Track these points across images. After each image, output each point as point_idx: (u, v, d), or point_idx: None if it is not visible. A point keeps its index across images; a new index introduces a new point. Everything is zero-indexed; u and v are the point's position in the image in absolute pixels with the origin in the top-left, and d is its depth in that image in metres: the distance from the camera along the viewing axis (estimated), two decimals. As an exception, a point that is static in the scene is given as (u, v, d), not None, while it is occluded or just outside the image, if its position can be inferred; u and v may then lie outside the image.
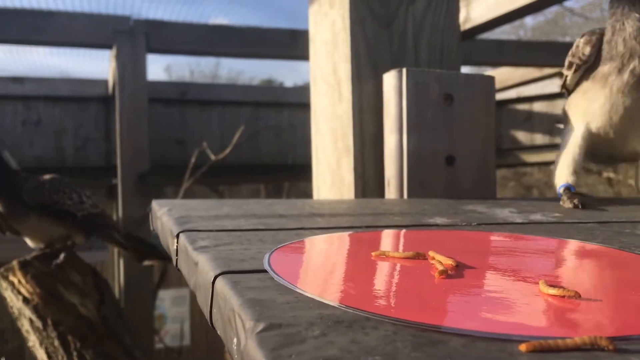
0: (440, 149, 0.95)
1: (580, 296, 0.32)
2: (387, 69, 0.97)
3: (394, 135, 0.94)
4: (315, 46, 1.12)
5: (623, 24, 0.83)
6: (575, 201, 0.82)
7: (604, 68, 0.86)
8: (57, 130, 3.03)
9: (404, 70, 0.93)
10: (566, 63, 0.93)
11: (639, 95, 0.85)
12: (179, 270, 0.51)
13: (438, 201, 0.90)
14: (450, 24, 1.06)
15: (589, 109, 0.89)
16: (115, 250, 3.03)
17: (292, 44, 2.71)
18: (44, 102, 3.02)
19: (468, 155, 0.97)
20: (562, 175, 0.90)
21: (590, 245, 0.52)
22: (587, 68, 0.89)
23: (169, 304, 3.95)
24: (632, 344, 0.26)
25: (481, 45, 2.83)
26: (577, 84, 0.92)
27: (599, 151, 0.93)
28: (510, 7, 1.71)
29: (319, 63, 1.10)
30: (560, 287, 0.33)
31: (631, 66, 0.83)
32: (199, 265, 0.42)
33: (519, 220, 0.69)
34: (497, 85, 1.04)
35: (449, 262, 0.40)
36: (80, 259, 1.63)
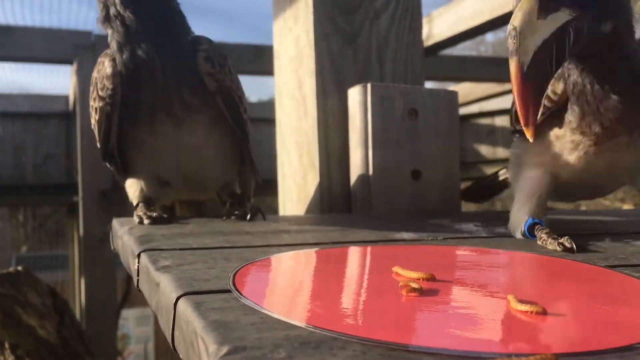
0: (406, 164, 0.95)
1: (547, 312, 0.32)
2: (352, 84, 0.97)
3: (360, 150, 0.95)
4: (280, 61, 1.12)
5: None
6: (567, 243, 0.57)
7: (575, 107, 0.65)
8: (16, 146, 2.96)
9: (369, 85, 0.94)
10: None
11: (615, 143, 0.64)
12: (140, 291, 0.49)
13: (404, 215, 0.90)
14: (414, 39, 1.07)
15: (555, 158, 0.69)
16: (76, 269, 2.96)
17: (257, 59, 2.70)
18: (3, 118, 2.94)
19: (433, 169, 0.97)
20: (522, 215, 0.69)
21: (554, 259, 0.52)
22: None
23: (133, 323, 3.86)
24: (591, 358, 0.26)
25: (444, 61, 2.87)
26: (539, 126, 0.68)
27: (562, 191, 0.76)
28: (471, 24, 1.74)
29: (284, 78, 1.10)
30: (529, 302, 0.33)
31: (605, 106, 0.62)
32: (160, 285, 0.40)
33: (484, 234, 0.69)
34: (460, 100, 1.05)
35: (424, 276, 0.40)
36: (39, 280, 1.58)
